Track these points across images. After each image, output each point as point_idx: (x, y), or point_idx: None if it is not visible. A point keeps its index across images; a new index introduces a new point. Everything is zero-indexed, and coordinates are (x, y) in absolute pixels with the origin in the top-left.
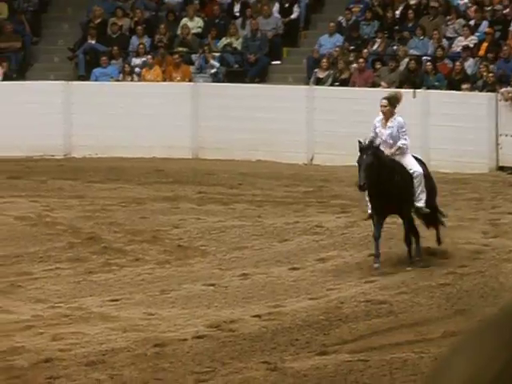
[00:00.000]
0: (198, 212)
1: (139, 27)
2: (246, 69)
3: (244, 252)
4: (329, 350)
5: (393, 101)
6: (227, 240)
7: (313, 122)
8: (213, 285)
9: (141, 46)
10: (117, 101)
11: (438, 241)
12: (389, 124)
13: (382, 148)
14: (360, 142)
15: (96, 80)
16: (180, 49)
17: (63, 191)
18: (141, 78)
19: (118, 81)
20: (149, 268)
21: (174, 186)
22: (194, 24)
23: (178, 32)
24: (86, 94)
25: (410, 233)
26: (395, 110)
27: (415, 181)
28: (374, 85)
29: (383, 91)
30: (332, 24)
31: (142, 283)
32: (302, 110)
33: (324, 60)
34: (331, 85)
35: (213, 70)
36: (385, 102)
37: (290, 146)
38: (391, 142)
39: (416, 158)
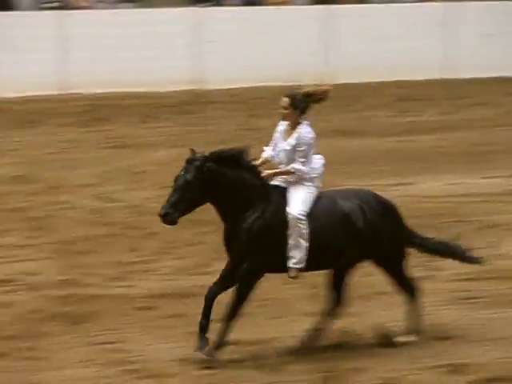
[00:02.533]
0: None
1: None
2: None
3: None
4: None
5: (296, 102)
6: None
7: None
8: None
9: None
10: None
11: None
12: (294, 134)
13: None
14: (192, 150)
15: None
16: None
17: None
18: None
19: None
20: None
21: None
22: None
23: None
24: None
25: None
26: (303, 117)
27: (290, 228)
28: None
29: None
30: None
31: None
32: None
33: None
34: None
35: None
36: (285, 100)
37: None
38: (285, 161)
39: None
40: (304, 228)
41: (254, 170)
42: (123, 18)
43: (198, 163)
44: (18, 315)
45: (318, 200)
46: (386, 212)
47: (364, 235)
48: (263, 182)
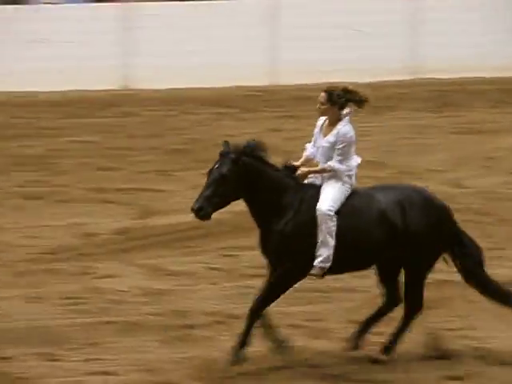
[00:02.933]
0: None
1: None
2: None
3: None
4: None
5: (334, 97)
6: None
7: None
8: None
9: None
10: None
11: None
12: (333, 131)
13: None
14: (226, 143)
15: None
16: None
17: None
18: None
19: None
20: None
21: None
22: None
23: None
24: None
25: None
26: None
27: (319, 225)
28: None
29: None
30: None
31: None
32: None
33: None
34: None
35: None
36: (322, 95)
37: None
38: (322, 158)
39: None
40: (332, 225)
41: (289, 169)
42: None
43: (233, 156)
44: (367, 300)
45: (353, 197)
46: (432, 213)
47: (402, 234)
48: (298, 182)
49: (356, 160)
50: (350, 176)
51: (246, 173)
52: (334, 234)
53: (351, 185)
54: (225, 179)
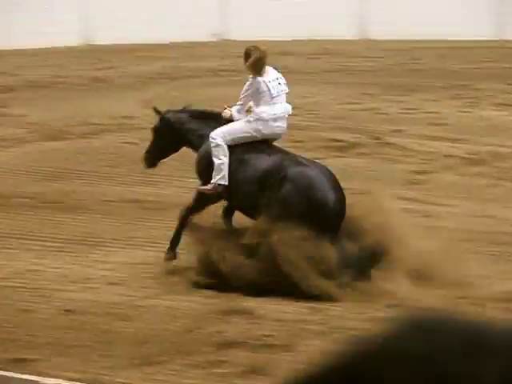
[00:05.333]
0: None
1: None
2: None
3: None
4: None
5: (246, 56)
6: None
7: None
8: None
9: None
10: None
11: None
12: None
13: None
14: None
15: None
16: None
17: None
18: None
19: None
20: None
21: None
22: None
23: None
24: None
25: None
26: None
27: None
28: None
29: None
30: None
31: None
32: None
33: None
34: None
35: None
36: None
37: None
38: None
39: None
40: (220, 148)
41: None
42: None
43: (161, 115)
44: None
45: (253, 148)
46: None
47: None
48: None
49: (265, 110)
50: (257, 121)
51: (169, 126)
52: (222, 156)
53: (259, 131)
54: (156, 133)
